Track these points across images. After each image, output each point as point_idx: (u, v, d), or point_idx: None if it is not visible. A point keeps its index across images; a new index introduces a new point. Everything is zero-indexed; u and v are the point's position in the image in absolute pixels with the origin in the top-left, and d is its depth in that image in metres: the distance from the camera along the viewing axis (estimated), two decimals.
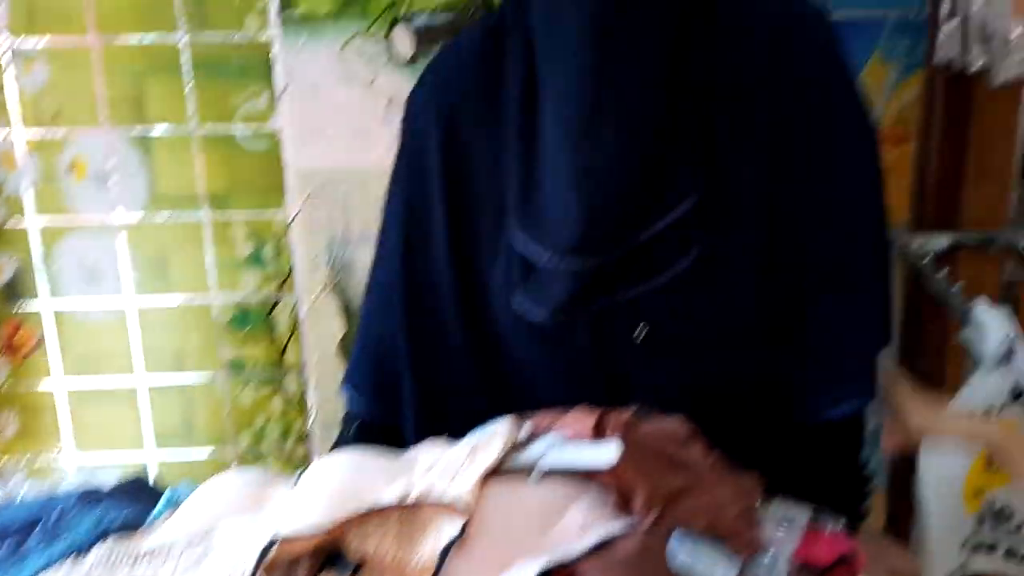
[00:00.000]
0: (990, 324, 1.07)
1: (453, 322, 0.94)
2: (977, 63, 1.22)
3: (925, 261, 1.31)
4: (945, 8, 1.26)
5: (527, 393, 0.94)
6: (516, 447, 0.79)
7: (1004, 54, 1.17)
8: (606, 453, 0.74)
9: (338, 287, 1.43)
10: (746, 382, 0.92)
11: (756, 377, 0.92)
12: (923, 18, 1.35)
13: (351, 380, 1.02)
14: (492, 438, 0.78)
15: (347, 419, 1.04)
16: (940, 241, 1.39)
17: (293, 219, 1.41)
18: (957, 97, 1.37)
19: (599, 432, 0.77)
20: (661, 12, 0.81)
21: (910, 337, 1.47)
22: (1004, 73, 1.17)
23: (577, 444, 0.77)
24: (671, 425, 0.80)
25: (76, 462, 1.51)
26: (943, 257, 1.38)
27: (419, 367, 0.97)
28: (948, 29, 1.27)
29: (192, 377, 1.48)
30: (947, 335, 1.42)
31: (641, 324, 0.87)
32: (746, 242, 0.87)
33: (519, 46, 0.86)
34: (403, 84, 1.35)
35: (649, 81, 0.81)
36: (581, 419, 0.79)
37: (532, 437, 0.80)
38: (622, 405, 0.87)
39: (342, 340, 1.45)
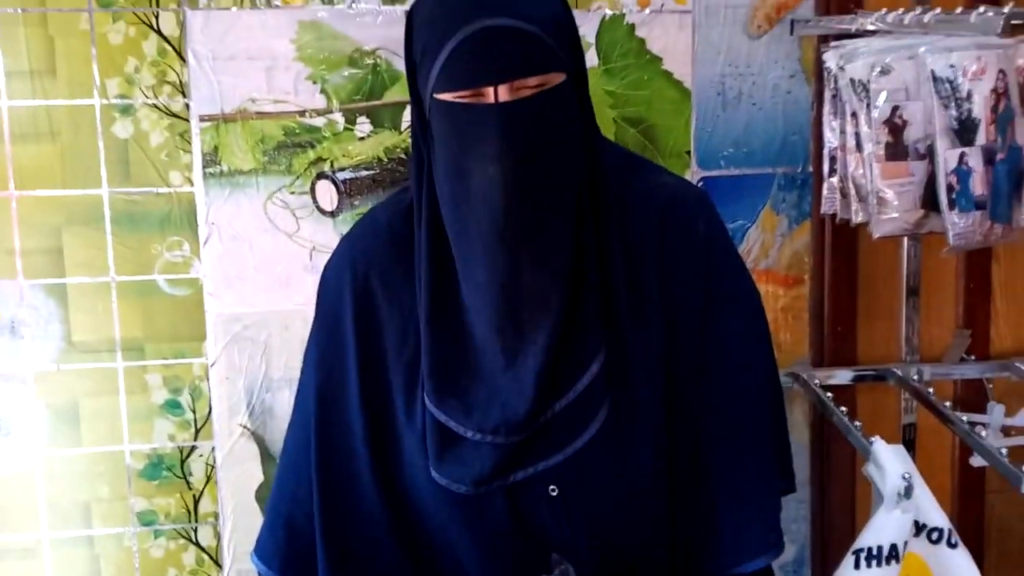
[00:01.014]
0: (888, 462, 1.13)
1: (367, 484, 0.94)
2: (857, 218, 1.33)
3: (827, 395, 1.38)
4: (826, 167, 1.39)
5: (443, 552, 0.95)
6: None
7: (879, 213, 1.28)
8: None
9: (257, 433, 1.42)
10: (655, 537, 0.94)
11: (665, 532, 0.94)
12: (807, 174, 1.48)
13: (261, 553, 1.01)
14: None
15: None
16: (839, 376, 1.48)
17: (213, 363, 1.41)
18: (844, 244, 1.49)
19: None
20: (563, 204, 0.86)
21: (820, 468, 1.52)
22: (880, 229, 1.28)
23: None
24: None
25: None
26: (843, 391, 1.45)
27: (332, 532, 0.96)
28: (830, 185, 1.39)
29: (100, 530, 1.42)
30: (855, 464, 1.48)
31: (551, 487, 0.90)
32: (647, 401, 0.90)
33: (427, 233, 0.90)
34: (326, 234, 1.40)
35: (560, 272, 0.86)
36: None
37: None
38: (539, 561, 0.89)
39: (259, 487, 1.43)
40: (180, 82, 1.36)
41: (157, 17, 1.35)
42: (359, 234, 1.00)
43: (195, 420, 1.43)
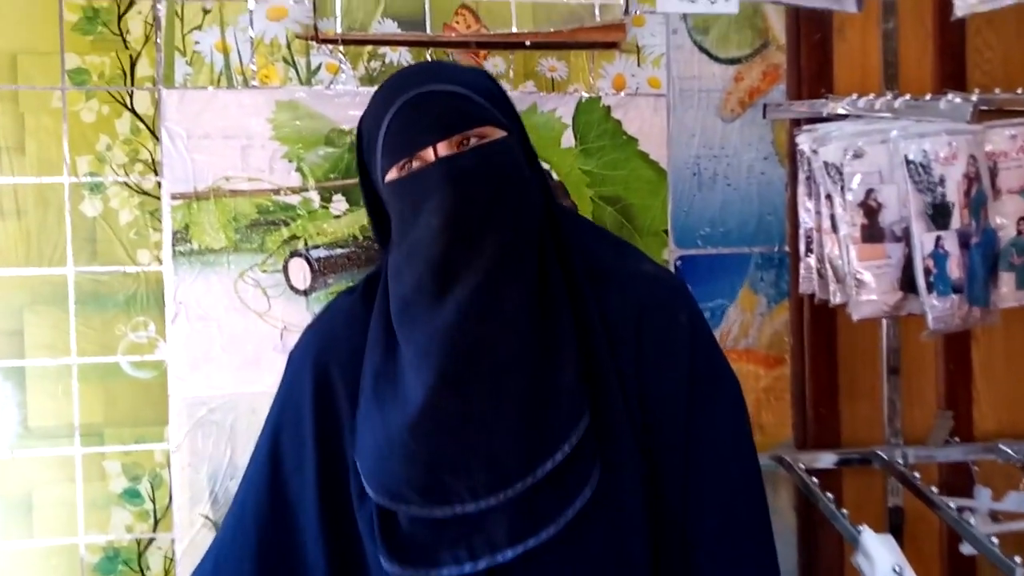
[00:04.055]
0: (878, 553, 1.10)
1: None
2: (836, 299, 1.33)
3: (813, 480, 1.34)
4: (802, 247, 1.39)
5: None
6: None
7: (857, 295, 1.28)
8: None
9: (219, 524, 1.35)
10: None
11: None
12: (784, 253, 1.48)
13: None
14: None
15: None
16: (824, 459, 1.45)
17: (176, 449, 1.35)
18: (823, 323, 1.48)
19: None
20: (512, 259, 0.83)
21: (807, 554, 1.47)
22: (859, 311, 1.27)
23: None
24: None
25: None
26: (828, 474, 1.42)
27: None
28: (807, 265, 1.39)
29: None
30: (843, 549, 1.43)
31: None
32: (631, 476, 0.86)
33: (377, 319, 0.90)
34: (298, 313, 1.36)
35: (513, 326, 0.83)
36: None
37: None
38: None
39: None
40: (153, 160, 1.35)
41: (132, 95, 1.34)
42: (323, 321, 1.00)
43: (155, 510, 1.36)
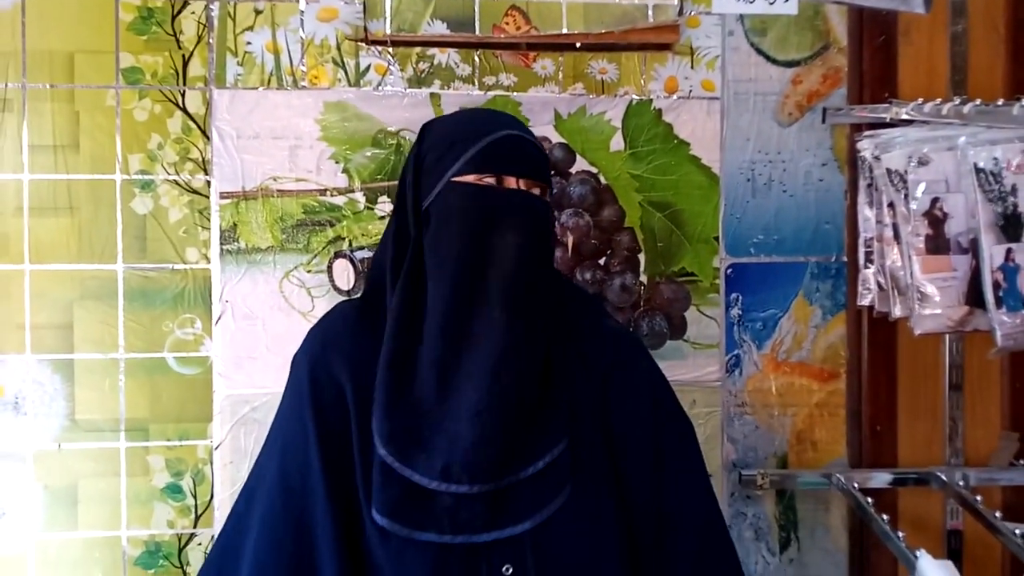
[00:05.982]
0: None
1: (328, 558, 0.96)
2: (896, 312, 1.27)
3: (867, 500, 1.29)
4: (861, 257, 1.34)
5: None
6: None
7: (920, 308, 1.22)
8: None
9: None
10: None
11: None
12: (842, 264, 1.42)
13: None
14: None
15: None
16: (879, 479, 1.39)
17: (218, 446, 1.35)
18: (882, 337, 1.42)
19: None
20: (542, 290, 1.00)
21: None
22: (921, 326, 1.22)
23: None
24: None
25: None
26: (884, 494, 1.36)
27: None
28: (866, 276, 1.34)
29: None
30: (898, 573, 1.38)
31: (506, 567, 0.95)
32: (602, 492, 0.99)
33: (400, 299, 1.00)
34: None
35: (535, 350, 0.98)
36: None
37: None
38: None
39: None
40: (203, 159, 1.36)
41: (183, 95, 1.35)
42: (324, 323, 1.09)
43: (196, 506, 1.36)
